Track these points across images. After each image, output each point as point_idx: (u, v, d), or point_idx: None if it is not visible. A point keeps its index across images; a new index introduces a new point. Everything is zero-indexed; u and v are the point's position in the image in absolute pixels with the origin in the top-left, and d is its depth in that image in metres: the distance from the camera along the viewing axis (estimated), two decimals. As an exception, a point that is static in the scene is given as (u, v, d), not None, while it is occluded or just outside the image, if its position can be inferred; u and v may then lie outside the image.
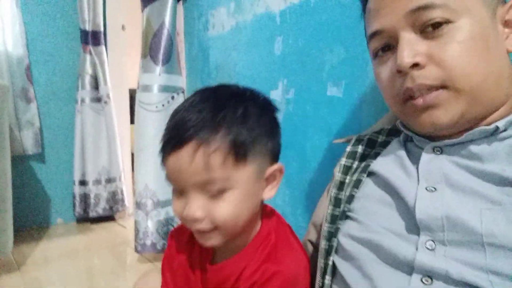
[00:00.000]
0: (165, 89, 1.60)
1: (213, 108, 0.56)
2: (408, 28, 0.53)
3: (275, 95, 1.17)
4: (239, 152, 0.56)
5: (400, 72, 0.54)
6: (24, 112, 2.16)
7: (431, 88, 0.53)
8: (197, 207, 0.55)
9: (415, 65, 0.53)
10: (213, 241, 0.58)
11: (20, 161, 2.18)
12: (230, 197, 0.56)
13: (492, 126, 0.51)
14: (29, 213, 2.28)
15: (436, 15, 0.51)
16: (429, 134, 0.59)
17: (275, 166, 0.62)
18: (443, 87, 0.52)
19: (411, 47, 0.53)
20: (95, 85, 2.29)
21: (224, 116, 0.55)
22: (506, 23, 0.54)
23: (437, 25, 0.51)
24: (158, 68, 1.57)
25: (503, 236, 0.45)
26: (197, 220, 0.56)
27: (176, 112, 0.59)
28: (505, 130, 0.53)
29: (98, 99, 2.29)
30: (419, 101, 0.54)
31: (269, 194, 0.63)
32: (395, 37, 0.55)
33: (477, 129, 0.52)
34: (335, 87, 1.00)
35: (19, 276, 1.59)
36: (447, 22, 0.51)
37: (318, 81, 1.04)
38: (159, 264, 1.64)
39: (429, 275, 0.48)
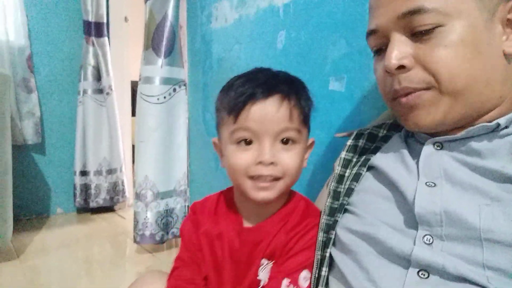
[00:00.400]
0: (167, 81, 1.60)
1: (285, 74, 0.68)
2: (400, 30, 0.54)
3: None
4: (306, 114, 0.67)
5: (388, 73, 0.56)
6: (25, 102, 2.17)
7: (417, 90, 0.54)
8: (272, 153, 0.63)
9: (402, 67, 0.54)
10: (270, 193, 0.64)
11: (21, 151, 2.19)
12: (296, 149, 0.65)
13: (494, 123, 0.52)
14: (29, 202, 2.30)
15: (426, 20, 0.51)
16: (423, 132, 0.59)
17: (312, 138, 0.71)
18: (427, 88, 0.53)
19: (399, 49, 0.54)
20: (98, 77, 2.29)
21: (295, 81, 0.68)
22: (508, 22, 0.54)
23: (428, 29, 0.52)
24: (160, 60, 1.57)
25: (501, 232, 0.45)
26: (272, 163, 0.62)
27: (245, 77, 0.67)
28: (506, 127, 0.53)
29: (100, 91, 2.30)
30: (403, 100, 0.56)
31: (305, 162, 0.70)
32: (388, 37, 0.56)
33: (478, 125, 0.53)
34: (337, 82, 1.00)
35: (18, 265, 1.60)
36: (438, 26, 0.51)
37: (320, 75, 1.04)
38: (158, 255, 1.67)
39: (426, 269, 0.49)
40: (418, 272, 0.49)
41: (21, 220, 2.22)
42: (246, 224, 0.70)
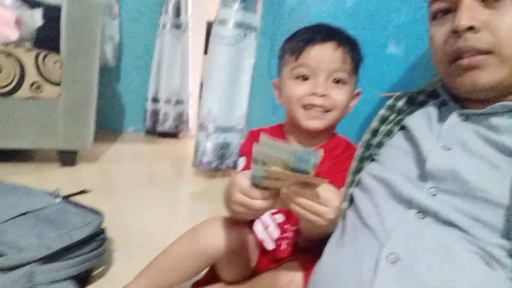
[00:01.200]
0: (239, 25, 1.71)
1: (342, 29, 0.82)
2: None
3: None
4: (356, 63, 0.81)
5: (456, 33, 0.60)
6: (108, 27, 2.36)
7: (479, 52, 0.59)
8: (325, 87, 0.76)
9: (471, 28, 0.58)
10: (320, 122, 0.78)
11: (102, 72, 2.42)
12: (346, 88, 0.79)
13: None
14: (107, 118, 2.60)
15: None
16: (467, 96, 0.65)
17: (359, 89, 0.85)
18: (490, 52, 0.58)
19: (470, 12, 0.58)
20: (177, 12, 2.44)
21: (350, 36, 0.82)
22: None
23: None
24: (236, 4, 1.67)
25: (493, 193, 0.53)
26: (324, 96, 0.77)
27: (308, 27, 0.81)
28: None
29: (178, 26, 2.46)
30: (465, 61, 0.60)
31: (351, 108, 0.85)
32: (457, 2, 0.60)
33: (499, 103, 0.59)
34: (396, 46, 1.05)
35: (95, 166, 1.89)
36: None
37: (381, 38, 1.10)
38: (211, 181, 1.87)
39: (424, 211, 0.59)
40: (416, 212, 0.60)
41: (100, 132, 2.52)
42: None
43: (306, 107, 0.78)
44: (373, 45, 1.13)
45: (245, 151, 0.87)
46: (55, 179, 1.63)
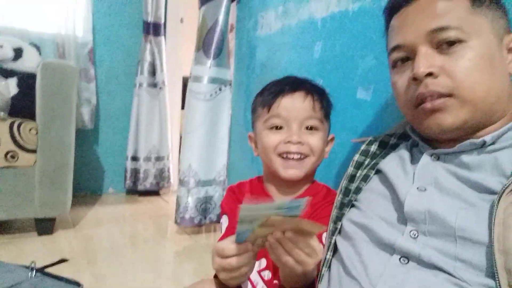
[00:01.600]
0: (214, 80, 1.76)
1: (309, 79, 0.86)
2: (426, 44, 0.63)
3: (311, 94, 1.28)
4: (326, 110, 0.84)
5: (416, 80, 0.63)
6: (84, 90, 2.40)
7: (440, 95, 0.61)
8: (299, 135, 0.79)
9: (429, 74, 0.61)
10: (298, 170, 0.79)
11: (80, 135, 2.42)
12: (319, 134, 0.81)
13: (480, 140, 0.60)
14: (85, 181, 2.55)
15: (452, 36, 0.60)
16: (435, 137, 0.67)
17: (332, 135, 0.89)
18: (451, 95, 0.61)
19: (427, 59, 0.62)
20: (153, 72, 2.50)
21: (317, 85, 0.86)
22: (510, 50, 0.63)
23: (451, 43, 0.60)
24: (209, 62, 1.72)
25: (472, 231, 0.54)
26: (299, 142, 0.78)
27: (277, 81, 0.85)
28: (493, 144, 0.61)
29: (154, 85, 2.51)
30: (428, 105, 0.62)
31: (326, 154, 0.87)
32: (414, 50, 0.64)
33: (467, 141, 0.61)
34: (365, 91, 1.09)
35: (74, 233, 1.82)
36: (460, 41, 0.60)
37: (349, 84, 1.14)
38: (195, 237, 1.83)
39: (406, 256, 0.58)
40: (399, 258, 0.59)
41: (78, 196, 2.47)
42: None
43: (282, 155, 0.79)
44: (343, 91, 1.17)
45: (227, 209, 0.86)
46: (32, 249, 1.56)
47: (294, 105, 0.79)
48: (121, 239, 1.84)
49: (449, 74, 0.60)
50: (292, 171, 0.79)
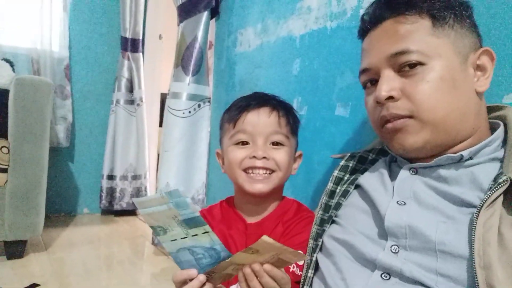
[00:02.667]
0: (192, 97, 1.74)
1: (275, 96, 0.86)
2: (388, 67, 0.64)
3: (290, 111, 1.28)
4: (292, 126, 0.83)
5: (378, 103, 0.65)
6: (60, 107, 2.35)
7: (401, 117, 0.63)
8: (264, 150, 0.78)
9: (390, 98, 0.63)
10: (264, 185, 0.78)
11: (54, 153, 2.36)
12: (285, 149, 0.80)
13: (458, 154, 0.60)
14: (59, 201, 2.47)
15: (411, 59, 0.61)
16: (404, 156, 0.68)
17: (300, 151, 0.88)
18: (411, 116, 0.62)
19: (388, 83, 0.63)
20: (130, 88, 2.47)
21: (283, 101, 0.86)
22: (477, 67, 0.63)
23: (412, 66, 0.61)
24: (188, 78, 1.71)
25: (451, 245, 0.54)
26: (265, 158, 0.77)
27: (244, 97, 0.85)
28: (470, 159, 0.61)
29: (131, 102, 2.48)
30: (390, 125, 0.64)
31: (294, 171, 0.86)
32: (378, 73, 0.66)
33: (444, 155, 0.62)
34: (343, 108, 1.10)
35: (46, 256, 1.75)
36: (421, 64, 0.61)
37: (328, 101, 1.15)
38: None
39: (388, 272, 0.58)
40: (381, 274, 0.58)
41: (51, 217, 2.38)
42: (250, 221, 0.83)
43: (248, 170, 0.78)
44: (321, 108, 1.17)
45: None
46: (1, 274, 1.49)
47: (260, 120, 0.79)
48: (96, 262, 1.77)
49: (409, 96, 0.62)
50: (258, 186, 0.77)
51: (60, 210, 2.50)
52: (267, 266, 0.57)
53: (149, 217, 0.57)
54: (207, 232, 0.57)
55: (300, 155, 0.87)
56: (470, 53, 0.62)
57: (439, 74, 0.60)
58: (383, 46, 0.65)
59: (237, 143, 0.79)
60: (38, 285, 1.37)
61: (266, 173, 0.78)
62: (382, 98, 0.63)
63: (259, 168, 0.77)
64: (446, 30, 0.61)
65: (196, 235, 0.57)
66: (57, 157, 2.44)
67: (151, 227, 0.58)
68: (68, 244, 1.96)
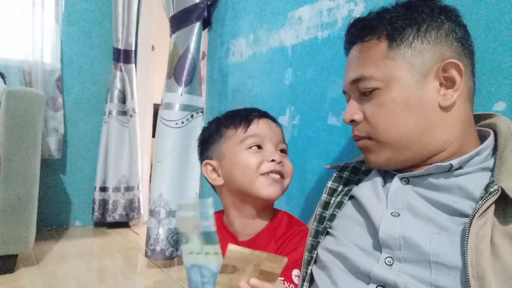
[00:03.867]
0: (185, 108, 1.74)
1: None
2: (353, 92, 0.69)
3: (283, 121, 1.28)
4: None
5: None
6: (51, 119, 2.32)
7: (362, 138, 0.69)
8: (280, 156, 0.79)
9: (353, 121, 0.68)
10: (278, 188, 0.78)
11: (46, 165, 2.32)
12: (288, 159, 0.83)
13: (447, 163, 0.60)
14: (51, 213, 2.43)
15: (367, 85, 0.65)
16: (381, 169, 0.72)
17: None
18: (370, 138, 0.67)
19: (351, 107, 0.69)
20: (123, 99, 2.46)
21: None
22: (446, 79, 0.62)
23: (369, 91, 0.65)
24: (181, 89, 1.71)
25: (446, 256, 0.54)
26: (281, 162, 0.78)
27: (238, 109, 0.87)
28: (460, 168, 0.61)
29: (124, 112, 2.46)
30: (357, 144, 0.72)
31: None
32: (348, 97, 0.71)
33: (434, 165, 0.62)
34: (335, 117, 1.10)
35: (37, 270, 1.71)
36: (375, 89, 0.64)
37: (320, 110, 1.15)
38: (167, 271, 1.76)
39: (383, 285, 0.57)
40: (376, 287, 0.58)
41: (42, 230, 2.34)
42: (241, 239, 0.80)
43: (265, 174, 0.77)
44: (314, 117, 1.18)
45: None
46: (-10, 290, 1.45)
47: (270, 127, 0.82)
48: (88, 275, 1.74)
49: (367, 119, 0.67)
50: (274, 188, 0.77)
51: (52, 223, 2.46)
52: (253, 281, 0.55)
53: (181, 222, 0.57)
54: (217, 253, 0.54)
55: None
56: (433, 67, 0.62)
57: (391, 97, 0.63)
58: (348, 72, 0.70)
59: (250, 147, 0.79)
60: (29, 300, 1.34)
61: (280, 177, 0.79)
62: (345, 121, 0.71)
63: (276, 172, 0.78)
64: (402, 50, 0.63)
65: (208, 253, 0.55)
66: (49, 169, 2.40)
67: (181, 232, 0.58)
68: (59, 257, 1.93)
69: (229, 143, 0.80)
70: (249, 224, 0.81)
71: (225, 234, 0.82)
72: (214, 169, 0.83)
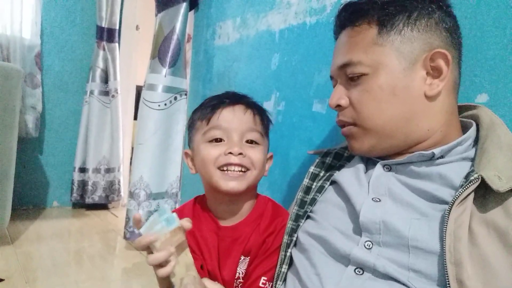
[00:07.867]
0: (169, 89, 1.71)
1: (248, 96, 0.83)
2: (340, 77, 0.69)
3: (268, 106, 1.28)
4: (266, 126, 0.81)
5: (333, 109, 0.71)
6: (29, 96, 2.25)
7: (347, 124, 0.68)
8: (240, 146, 0.74)
9: (339, 106, 0.68)
10: (239, 183, 0.75)
11: (23, 143, 2.27)
12: (260, 148, 0.78)
13: (429, 152, 0.61)
14: (27, 193, 2.38)
15: (354, 70, 0.65)
16: (365, 156, 0.72)
17: (271, 153, 0.85)
18: (355, 124, 0.67)
19: (338, 92, 0.69)
20: (105, 79, 2.41)
21: (256, 101, 0.83)
22: (432, 69, 0.62)
23: (356, 76, 0.65)
24: (165, 70, 1.68)
25: (424, 241, 0.55)
26: (241, 154, 0.74)
27: (215, 96, 0.83)
28: (442, 157, 0.62)
29: (106, 93, 2.41)
30: (342, 130, 0.72)
31: (266, 172, 0.83)
32: (336, 81, 0.71)
33: (416, 153, 0.62)
34: (320, 104, 1.10)
35: (12, 250, 1.68)
36: (364, 74, 0.64)
37: (305, 97, 1.15)
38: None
39: (361, 267, 0.58)
40: (355, 269, 0.59)
41: (18, 209, 2.30)
42: (223, 224, 0.80)
43: (223, 168, 0.74)
44: (299, 104, 1.17)
45: None
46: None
47: (235, 117, 0.76)
48: (65, 256, 1.72)
49: (353, 105, 0.67)
50: (233, 183, 0.74)
51: (28, 202, 2.41)
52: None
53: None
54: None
55: (271, 157, 0.84)
56: (421, 55, 0.62)
57: (378, 83, 0.63)
58: (336, 57, 0.70)
59: (211, 140, 0.76)
60: (2, 279, 1.31)
61: (241, 170, 0.75)
62: (331, 106, 0.70)
63: (234, 165, 0.74)
64: (391, 36, 0.63)
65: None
66: (27, 148, 2.34)
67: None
68: (35, 237, 1.90)
69: (196, 135, 0.80)
70: (228, 210, 0.79)
71: (207, 217, 0.81)
72: (191, 159, 0.83)
